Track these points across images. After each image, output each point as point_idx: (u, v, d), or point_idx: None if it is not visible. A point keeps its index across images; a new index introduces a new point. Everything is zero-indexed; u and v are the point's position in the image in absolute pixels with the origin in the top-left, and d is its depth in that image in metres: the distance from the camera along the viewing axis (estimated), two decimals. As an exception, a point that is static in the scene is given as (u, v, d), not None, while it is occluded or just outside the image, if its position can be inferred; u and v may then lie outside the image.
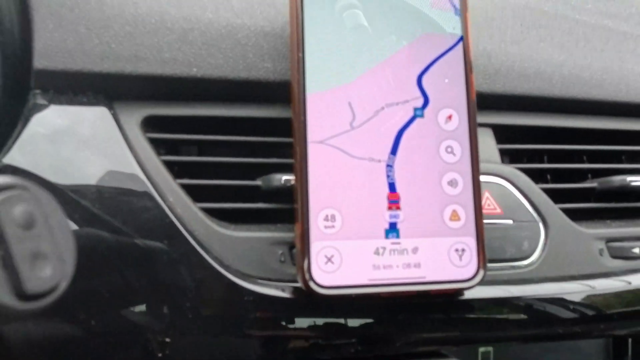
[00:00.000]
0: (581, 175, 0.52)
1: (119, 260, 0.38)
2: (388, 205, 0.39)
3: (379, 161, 0.40)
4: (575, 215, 0.48)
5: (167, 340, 0.38)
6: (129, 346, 0.38)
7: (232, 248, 0.39)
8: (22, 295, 0.20)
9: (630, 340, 0.51)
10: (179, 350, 0.39)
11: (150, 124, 0.41)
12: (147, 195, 0.39)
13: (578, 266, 0.46)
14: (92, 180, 0.38)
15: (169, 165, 0.41)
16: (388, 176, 0.40)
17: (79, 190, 0.38)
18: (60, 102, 0.39)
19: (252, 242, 0.40)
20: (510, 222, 0.45)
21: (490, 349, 0.50)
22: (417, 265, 0.39)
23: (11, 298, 0.20)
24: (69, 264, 0.22)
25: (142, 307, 0.38)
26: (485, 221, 0.44)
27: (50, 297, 0.21)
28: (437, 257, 0.40)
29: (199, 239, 0.39)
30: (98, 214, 0.38)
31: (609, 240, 0.48)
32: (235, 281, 0.38)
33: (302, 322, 0.40)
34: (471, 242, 0.40)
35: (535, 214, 0.46)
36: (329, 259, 0.38)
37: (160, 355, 0.38)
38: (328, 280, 0.38)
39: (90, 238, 0.38)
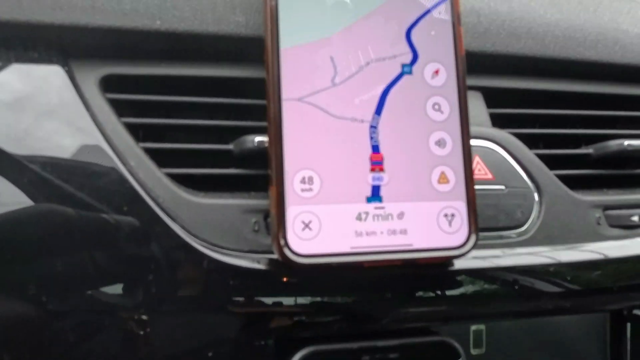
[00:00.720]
0: (575, 142, 0.49)
1: (78, 232, 0.34)
2: (371, 167, 0.36)
3: (362, 121, 0.37)
4: (571, 183, 0.46)
5: (144, 317, 0.35)
6: (100, 326, 0.35)
7: (201, 216, 0.36)
8: None
9: (629, 324, 0.48)
10: (159, 328, 0.35)
11: (110, 83, 0.38)
12: (106, 159, 0.35)
13: (574, 235, 0.43)
14: (45, 146, 0.35)
15: (133, 128, 0.37)
16: (371, 137, 0.37)
17: (31, 157, 0.34)
18: (7, 59, 0.36)
19: (223, 210, 0.36)
20: (502, 188, 0.42)
21: (482, 327, 0.47)
22: (403, 232, 0.36)
23: None
24: None
25: (104, 282, 0.35)
26: (475, 187, 0.41)
27: None
28: (424, 223, 0.36)
29: (163, 206, 0.35)
30: (52, 182, 0.34)
31: (607, 208, 0.45)
32: (203, 252, 0.35)
33: (279, 297, 0.36)
34: (461, 207, 0.37)
35: (528, 181, 0.43)
36: (307, 225, 0.34)
37: (141, 332, 0.35)
38: (306, 249, 0.34)
39: (46, 208, 0.34)
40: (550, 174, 0.44)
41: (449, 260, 0.37)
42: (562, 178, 0.45)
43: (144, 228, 0.35)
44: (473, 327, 0.46)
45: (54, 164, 0.34)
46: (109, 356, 0.35)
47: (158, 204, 0.35)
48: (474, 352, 0.46)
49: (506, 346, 0.47)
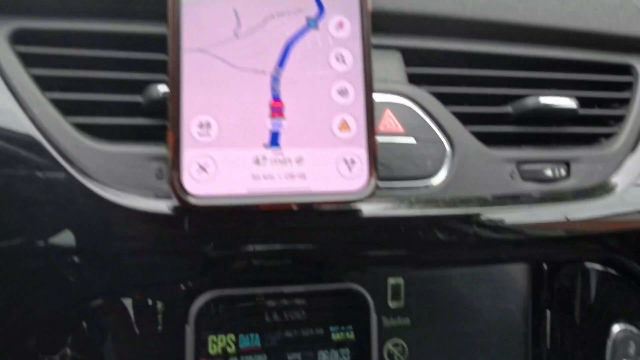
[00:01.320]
0: (501, 103, 0.50)
1: None
2: (270, 113, 0.37)
3: (264, 72, 0.38)
4: (490, 141, 0.47)
5: (44, 262, 0.36)
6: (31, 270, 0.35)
7: (103, 163, 0.37)
8: None
9: (545, 269, 0.49)
10: (61, 272, 0.36)
11: (20, 37, 0.39)
12: (9, 107, 0.36)
13: (487, 188, 0.44)
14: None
15: (40, 80, 0.38)
16: (273, 87, 0.38)
17: None
18: None
19: (126, 157, 0.37)
20: (412, 140, 0.43)
21: (400, 280, 0.48)
22: (302, 176, 0.37)
23: None
24: None
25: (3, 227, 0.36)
26: (384, 139, 0.42)
27: None
28: (324, 168, 0.37)
29: (65, 153, 0.36)
30: None
31: (521, 162, 0.46)
32: (103, 195, 0.36)
33: (180, 241, 0.37)
34: (362, 154, 0.38)
35: (440, 134, 0.44)
36: (203, 168, 0.35)
37: (44, 277, 0.36)
38: (201, 190, 0.35)
39: None
40: (464, 130, 0.45)
41: (348, 205, 0.38)
42: (478, 135, 0.46)
43: (45, 174, 0.36)
44: (391, 281, 0.47)
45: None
46: (10, 298, 0.36)
47: (58, 150, 0.36)
48: (392, 304, 0.47)
49: (425, 300, 0.47)
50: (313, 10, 0.39)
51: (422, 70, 0.47)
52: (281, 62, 0.38)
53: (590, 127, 0.50)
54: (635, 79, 0.54)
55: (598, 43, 0.54)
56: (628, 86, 0.54)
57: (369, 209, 0.40)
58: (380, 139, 0.42)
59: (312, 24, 0.39)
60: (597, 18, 0.53)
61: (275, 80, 0.38)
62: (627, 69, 0.54)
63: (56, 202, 0.35)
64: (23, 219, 0.35)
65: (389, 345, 0.47)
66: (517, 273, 0.49)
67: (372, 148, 0.38)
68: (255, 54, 0.38)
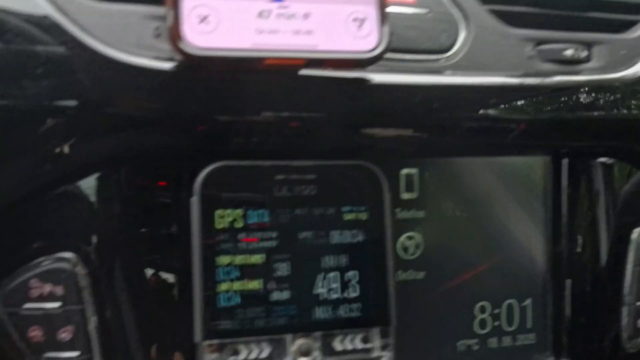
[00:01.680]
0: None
1: None
2: (276, -35, 0.35)
3: None
4: (511, 22, 0.44)
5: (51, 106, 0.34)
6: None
7: (103, 21, 0.35)
8: None
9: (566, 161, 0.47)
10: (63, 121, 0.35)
11: None
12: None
13: (504, 66, 0.42)
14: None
15: None
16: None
17: None
18: None
19: (125, 15, 0.35)
20: (425, 11, 0.41)
21: (414, 170, 0.46)
22: (309, 32, 0.35)
23: None
24: None
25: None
26: (395, 7, 0.40)
27: None
28: (332, 25, 0.35)
29: (64, 10, 0.34)
30: None
31: (540, 42, 0.44)
32: (104, 52, 0.34)
33: (184, 98, 0.35)
34: (372, 12, 0.36)
35: (454, 7, 0.42)
36: (204, 18, 0.33)
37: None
38: (203, 42, 0.33)
39: None
40: (481, 5, 0.43)
41: (358, 64, 0.36)
42: (498, 13, 0.44)
43: (45, 31, 0.34)
44: (404, 171, 0.45)
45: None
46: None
47: (59, 8, 0.34)
48: (405, 196, 0.45)
49: (440, 192, 0.46)
50: None
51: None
52: None
53: (613, 14, 0.48)
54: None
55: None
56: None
57: (379, 77, 0.38)
58: (390, 7, 0.39)
59: None
60: None
61: None
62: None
63: (56, 57, 0.34)
64: (23, 72, 0.33)
65: (403, 239, 0.45)
66: (536, 166, 0.47)
67: (383, 6, 0.36)
68: None
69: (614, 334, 0.50)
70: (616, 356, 0.50)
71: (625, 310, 0.50)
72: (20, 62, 0.34)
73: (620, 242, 0.50)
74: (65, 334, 0.37)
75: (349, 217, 0.40)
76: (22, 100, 0.34)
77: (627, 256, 0.50)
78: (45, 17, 0.34)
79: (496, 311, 0.48)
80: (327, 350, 0.39)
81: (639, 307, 0.51)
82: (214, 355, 0.37)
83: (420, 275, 0.46)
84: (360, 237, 0.40)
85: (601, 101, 0.45)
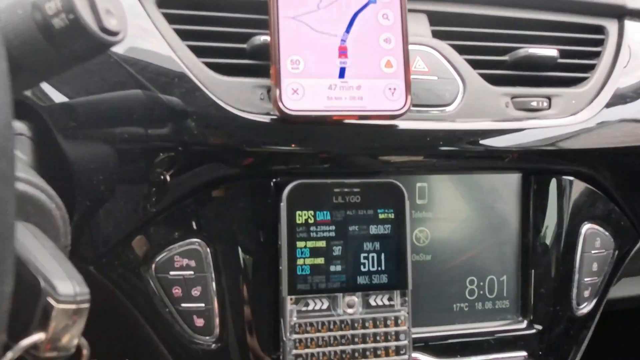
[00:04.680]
0: (499, 53, 0.66)
1: (152, 94, 0.52)
2: (339, 55, 0.54)
3: (336, 35, 0.54)
4: (493, 80, 0.63)
5: (180, 149, 0.53)
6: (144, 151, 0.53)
7: (225, 89, 0.54)
8: (103, 28, 0.34)
9: (533, 177, 0.66)
10: (190, 159, 0.54)
11: (163, 3, 0.55)
12: (164, 51, 0.53)
13: (489, 114, 0.61)
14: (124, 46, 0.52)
15: (180, 32, 0.55)
16: (341, 40, 0.54)
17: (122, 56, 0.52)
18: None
19: (241, 85, 0.55)
20: (435, 78, 0.60)
21: (425, 184, 0.64)
22: (360, 98, 0.54)
23: (97, 29, 0.33)
24: (124, 21, 0.36)
25: (161, 121, 0.53)
26: (415, 76, 0.59)
27: (118, 36, 0.35)
28: (375, 93, 0.54)
29: (201, 81, 0.53)
30: (132, 69, 0.52)
31: (514, 96, 0.63)
32: (228, 109, 0.53)
33: (279, 139, 0.55)
34: (401, 84, 0.55)
35: (455, 74, 0.61)
36: (295, 91, 0.53)
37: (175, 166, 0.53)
38: (294, 106, 0.52)
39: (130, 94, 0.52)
40: (473, 72, 0.62)
41: (391, 118, 0.55)
42: (484, 76, 0.63)
43: (190, 94, 0.53)
44: (418, 184, 0.64)
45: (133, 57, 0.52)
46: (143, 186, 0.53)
47: (199, 80, 0.53)
48: (419, 202, 0.64)
49: (443, 199, 0.64)
50: (374, -10, 0.55)
51: (443, 28, 0.64)
52: (348, 29, 0.55)
53: (567, 73, 0.66)
54: (606, 37, 0.70)
55: (579, 9, 0.69)
56: (600, 42, 0.70)
57: (403, 124, 0.57)
58: (412, 76, 0.58)
59: (372, 0, 0.55)
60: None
61: (345, 35, 0.54)
62: (600, 29, 0.70)
63: (195, 112, 0.52)
64: (172, 118, 0.52)
65: (416, 232, 0.64)
66: (511, 181, 0.65)
67: (408, 80, 0.55)
68: (330, 22, 0.54)
69: (567, 301, 0.69)
70: (568, 317, 0.69)
71: (575, 284, 0.68)
72: (159, 110, 0.52)
73: (572, 235, 0.68)
74: (195, 292, 0.56)
75: (382, 216, 0.59)
76: (148, 140, 0.52)
77: (577, 245, 0.69)
78: (189, 84, 0.53)
79: (481, 284, 0.66)
80: (365, 304, 0.58)
81: (586, 282, 0.69)
82: (294, 306, 0.56)
83: (428, 257, 0.65)
84: (389, 230, 0.59)
85: (558, 137, 0.64)
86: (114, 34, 0.34)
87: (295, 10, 0.53)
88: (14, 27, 0.35)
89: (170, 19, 0.55)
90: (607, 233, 0.69)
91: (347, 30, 0.54)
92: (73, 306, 0.32)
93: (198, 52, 0.55)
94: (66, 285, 0.32)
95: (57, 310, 0.32)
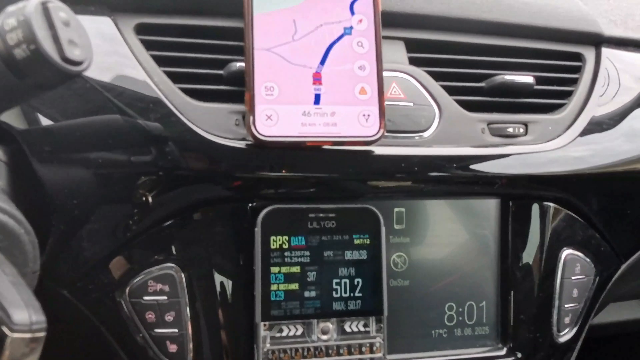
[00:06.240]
0: (479, 80, 0.67)
1: (130, 122, 0.53)
2: (313, 82, 0.54)
3: (310, 67, 0.55)
4: (470, 107, 0.63)
5: (160, 174, 0.53)
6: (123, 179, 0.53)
7: (201, 114, 0.55)
8: (65, 59, 0.34)
9: (511, 202, 0.66)
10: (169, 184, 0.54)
11: (141, 30, 0.56)
12: (140, 77, 0.54)
13: (465, 140, 0.62)
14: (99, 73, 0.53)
15: (157, 58, 0.56)
16: (317, 68, 0.55)
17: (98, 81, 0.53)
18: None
19: (216, 111, 0.55)
20: (411, 104, 0.60)
21: (403, 209, 0.64)
22: (334, 125, 0.54)
23: (59, 59, 0.34)
24: (88, 51, 0.36)
25: (139, 146, 0.53)
26: (391, 102, 0.59)
27: (81, 66, 0.35)
28: (349, 119, 0.55)
29: (177, 107, 0.54)
30: (109, 94, 0.53)
31: (490, 123, 0.63)
32: (203, 135, 0.54)
33: (254, 164, 0.55)
34: (375, 110, 0.56)
35: (431, 100, 0.61)
36: (269, 117, 0.53)
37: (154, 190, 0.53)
38: (268, 132, 0.53)
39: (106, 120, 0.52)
40: (449, 98, 0.62)
41: (366, 144, 0.55)
42: (460, 102, 0.63)
43: (165, 119, 0.53)
44: (396, 209, 0.64)
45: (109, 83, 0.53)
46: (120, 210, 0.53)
47: (174, 106, 0.54)
48: (396, 227, 0.64)
49: (421, 225, 0.64)
50: (349, 20, 0.56)
51: (419, 55, 0.64)
52: (323, 61, 0.55)
53: (543, 99, 0.67)
54: (583, 64, 0.71)
55: (556, 36, 0.70)
56: (577, 69, 0.70)
57: (379, 150, 0.57)
58: (388, 102, 0.59)
59: (347, 31, 0.56)
60: (554, 17, 0.69)
61: (320, 66, 0.55)
62: (577, 56, 0.71)
63: (171, 137, 0.53)
64: (149, 145, 0.53)
65: (394, 257, 0.64)
66: (490, 206, 0.66)
67: (382, 107, 0.56)
68: (304, 54, 0.55)
69: (547, 328, 0.68)
70: (549, 344, 0.69)
71: (555, 311, 0.68)
72: (134, 135, 0.53)
73: (551, 261, 0.68)
74: (169, 317, 0.56)
75: (357, 242, 0.59)
76: (123, 165, 0.52)
77: (556, 271, 0.68)
78: (164, 109, 0.54)
79: (460, 309, 0.66)
80: (340, 330, 0.58)
81: (566, 309, 0.69)
82: (267, 332, 0.56)
83: (406, 283, 0.64)
84: (364, 256, 0.59)
85: (534, 163, 0.64)
86: (77, 63, 0.35)
87: (270, 42, 0.54)
88: (-24, 56, 0.35)
89: (148, 46, 0.56)
90: (587, 259, 0.69)
91: (322, 62, 0.55)
92: (28, 335, 0.32)
93: (175, 78, 0.55)
94: (22, 313, 0.32)
95: (11, 339, 0.31)
